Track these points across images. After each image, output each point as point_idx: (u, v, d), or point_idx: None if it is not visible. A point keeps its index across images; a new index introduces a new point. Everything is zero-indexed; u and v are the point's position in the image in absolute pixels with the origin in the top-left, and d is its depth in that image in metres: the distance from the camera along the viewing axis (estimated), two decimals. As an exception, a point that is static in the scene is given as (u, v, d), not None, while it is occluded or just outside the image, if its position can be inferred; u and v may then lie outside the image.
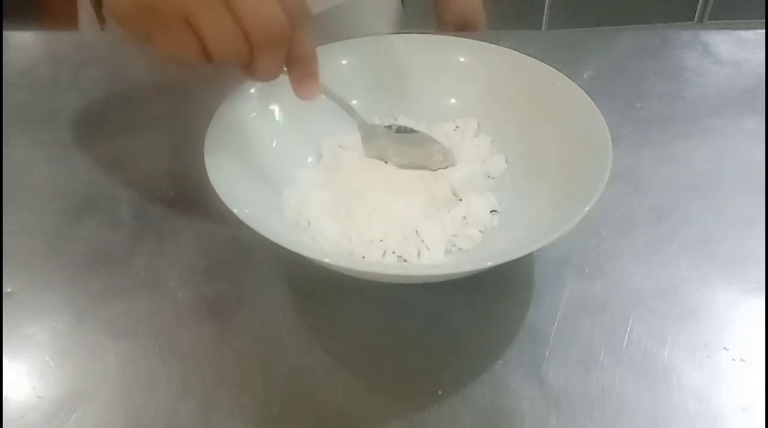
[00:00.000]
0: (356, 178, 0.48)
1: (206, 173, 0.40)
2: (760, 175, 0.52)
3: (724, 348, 0.41)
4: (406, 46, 0.53)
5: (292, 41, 0.39)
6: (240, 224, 0.38)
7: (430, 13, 0.82)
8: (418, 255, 0.44)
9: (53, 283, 0.45)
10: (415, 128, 0.50)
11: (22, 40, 0.68)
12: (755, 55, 0.65)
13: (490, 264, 0.39)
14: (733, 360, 0.40)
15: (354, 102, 0.52)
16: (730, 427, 0.37)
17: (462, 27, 0.80)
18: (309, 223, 0.45)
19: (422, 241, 0.44)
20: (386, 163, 0.49)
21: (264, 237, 0.37)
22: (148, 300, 0.44)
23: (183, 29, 0.37)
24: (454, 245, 0.45)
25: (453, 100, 0.53)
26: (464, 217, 0.45)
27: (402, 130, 0.50)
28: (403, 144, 0.49)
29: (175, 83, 0.60)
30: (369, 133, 0.49)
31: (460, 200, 0.47)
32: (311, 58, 0.42)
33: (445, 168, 0.49)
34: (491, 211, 0.46)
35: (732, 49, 0.65)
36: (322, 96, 0.45)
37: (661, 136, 0.56)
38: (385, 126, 0.50)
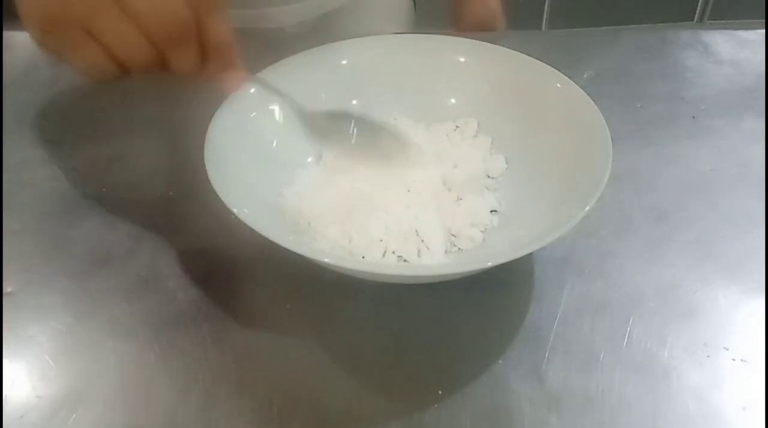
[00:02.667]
0: (356, 177, 0.48)
1: (206, 173, 0.40)
2: (760, 175, 0.52)
3: (724, 348, 0.41)
4: (406, 46, 0.53)
5: (204, 31, 0.38)
6: (240, 224, 0.38)
7: (443, 14, 0.81)
8: (418, 255, 0.44)
9: (53, 283, 0.45)
10: (372, 118, 0.49)
11: (22, 40, 0.67)
12: (755, 55, 0.65)
13: (490, 264, 0.39)
14: (733, 360, 0.40)
15: (354, 102, 0.52)
16: (730, 427, 0.37)
17: (480, 30, 0.78)
18: (309, 223, 0.45)
19: (422, 241, 0.44)
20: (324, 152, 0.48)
21: (264, 237, 0.37)
22: (148, 300, 0.44)
23: (86, 40, 0.36)
24: (454, 245, 0.45)
25: (453, 100, 0.53)
26: (464, 217, 0.45)
27: (348, 116, 0.48)
28: (350, 130, 0.48)
29: (176, 83, 0.60)
30: (310, 121, 0.48)
31: (461, 200, 0.47)
32: (227, 47, 0.41)
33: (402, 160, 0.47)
34: (491, 211, 0.46)
35: (732, 49, 0.65)
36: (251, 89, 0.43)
37: (661, 136, 0.56)
38: (329, 112, 0.48)
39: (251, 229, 0.37)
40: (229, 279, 0.45)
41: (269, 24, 0.70)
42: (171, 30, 0.37)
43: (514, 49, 0.50)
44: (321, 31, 0.71)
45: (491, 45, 0.52)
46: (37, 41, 0.38)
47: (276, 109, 0.49)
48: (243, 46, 0.43)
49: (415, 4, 0.82)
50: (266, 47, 0.59)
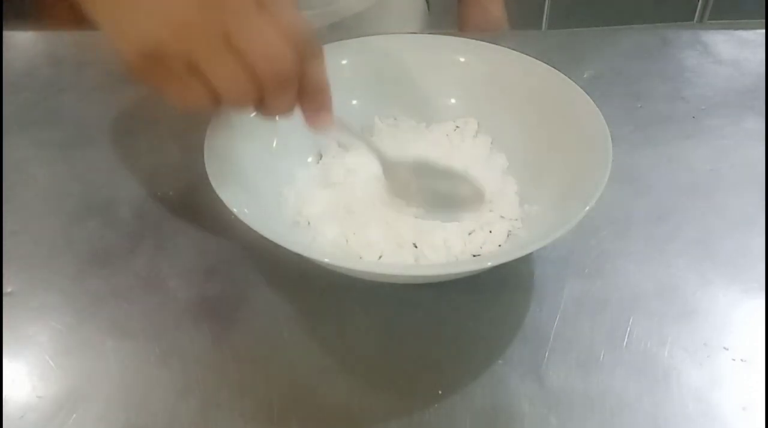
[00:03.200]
0: (356, 178, 0.48)
1: (206, 173, 0.40)
2: (760, 175, 0.52)
3: (724, 348, 0.41)
4: (406, 46, 0.53)
5: (304, 74, 0.38)
6: (240, 224, 0.38)
7: (455, 15, 0.82)
8: (415, 258, 0.44)
9: (53, 283, 0.45)
10: (439, 163, 0.47)
11: (22, 40, 0.68)
12: (755, 55, 0.65)
13: (490, 264, 0.39)
14: (733, 360, 0.40)
15: (354, 102, 0.52)
16: (730, 427, 0.37)
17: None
18: (309, 223, 0.45)
19: (418, 247, 0.44)
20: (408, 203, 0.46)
21: (264, 237, 0.37)
22: (148, 301, 0.44)
23: (190, 76, 0.35)
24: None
25: (453, 100, 0.53)
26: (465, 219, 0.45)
27: (426, 166, 0.47)
28: (427, 180, 0.46)
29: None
30: (391, 169, 0.46)
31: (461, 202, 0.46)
32: (324, 90, 0.41)
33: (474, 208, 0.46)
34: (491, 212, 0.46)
35: (732, 49, 0.65)
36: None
37: (661, 136, 0.56)
38: (410, 164, 0.47)
39: (251, 229, 0.37)
40: (229, 280, 0.45)
41: None
42: (278, 73, 0.36)
43: (514, 49, 0.50)
44: (334, 36, 0.72)
45: (491, 45, 0.52)
46: (131, 69, 0.36)
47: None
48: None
49: (428, 6, 0.82)
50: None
